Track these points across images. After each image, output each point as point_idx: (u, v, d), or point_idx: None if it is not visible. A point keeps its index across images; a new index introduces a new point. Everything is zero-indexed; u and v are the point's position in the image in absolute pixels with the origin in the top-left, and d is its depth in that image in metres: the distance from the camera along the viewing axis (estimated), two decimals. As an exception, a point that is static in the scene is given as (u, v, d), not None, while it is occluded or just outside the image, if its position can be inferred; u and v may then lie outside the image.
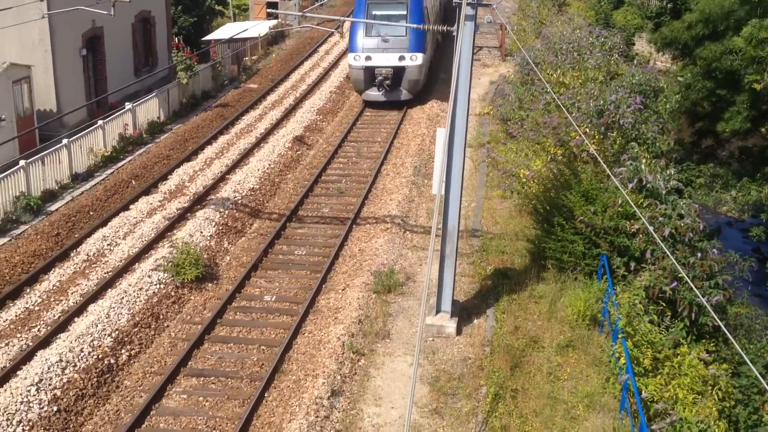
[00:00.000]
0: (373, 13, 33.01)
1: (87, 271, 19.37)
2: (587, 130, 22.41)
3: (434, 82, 36.26)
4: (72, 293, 18.33)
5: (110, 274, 19.08)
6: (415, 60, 32.40)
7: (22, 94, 26.64)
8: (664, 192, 18.19)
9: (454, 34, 15.12)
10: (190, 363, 16.09)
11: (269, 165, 26.48)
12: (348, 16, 41.11)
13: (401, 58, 32.31)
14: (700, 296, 12.93)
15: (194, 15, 48.13)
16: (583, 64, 28.79)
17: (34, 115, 27.30)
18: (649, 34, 45.95)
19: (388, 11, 32.98)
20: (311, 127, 31.07)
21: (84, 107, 29.43)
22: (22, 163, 22.36)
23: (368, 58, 32.35)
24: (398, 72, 32.59)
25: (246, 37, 40.80)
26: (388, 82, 32.47)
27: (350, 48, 33.21)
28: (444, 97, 32.43)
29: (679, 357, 14.73)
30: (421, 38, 32.62)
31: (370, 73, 32.67)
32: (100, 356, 15.70)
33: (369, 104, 33.52)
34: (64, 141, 24.61)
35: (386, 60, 32.33)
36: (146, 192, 24.42)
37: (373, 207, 23.61)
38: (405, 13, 32.67)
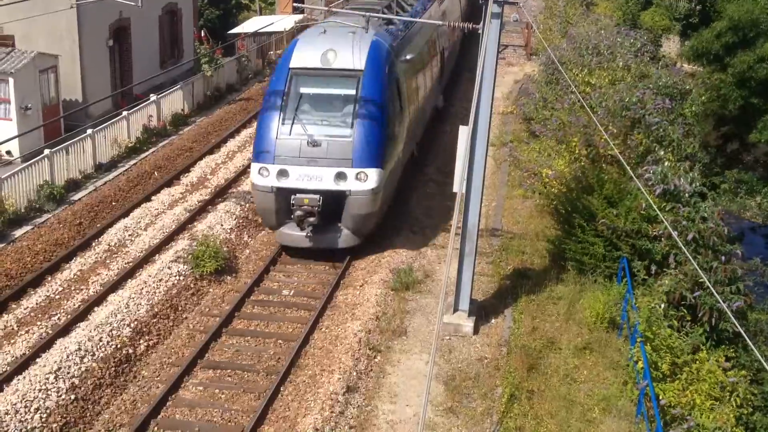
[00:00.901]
0: (301, 91, 19.59)
1: (108, 261, 19.51)
2: (613, 130, 22.22)
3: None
4: (92, 282, 18.47)
5: (131, 264, 19.20)
6: (364, 180, 18.85)
7: (48, 84, 26.85)
8: (687, 195, 18.02)
9: (480, 32, 15.06)
10: (207, 355, 16.14)
11: (291, 159, 26.44)
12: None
13: (340, 177, 18.86)
14: (721, 302, 12.82)
15: (221, 8, 48.33)
16: (611, 63, 28.54)
17: (59, 104, 27.52)
18: (676, 35, 45.57)
19: (325, 89, 19.68)
20: (334, 123, 30.95)
21: (109, 98, 29.64)
22: (46, 152, 22.54)
23: (283, 174, 18.97)
24: (333, 200, 19.16)
25: (271, 31, 40.83)
26: (313, 218, 18.95)
27: (254, 153, 19.61)
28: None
29: (697, 363, 14.60)
30: (381, 137, 19.24)
31: (285, 198, 19.16)
32: (119, 346, 15.81)
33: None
34: (89, 131, 24.78)
35: (313, 179, 18.89)
36: (168, 184, 24.54)
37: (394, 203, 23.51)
38: (354, 93, 19.25)
